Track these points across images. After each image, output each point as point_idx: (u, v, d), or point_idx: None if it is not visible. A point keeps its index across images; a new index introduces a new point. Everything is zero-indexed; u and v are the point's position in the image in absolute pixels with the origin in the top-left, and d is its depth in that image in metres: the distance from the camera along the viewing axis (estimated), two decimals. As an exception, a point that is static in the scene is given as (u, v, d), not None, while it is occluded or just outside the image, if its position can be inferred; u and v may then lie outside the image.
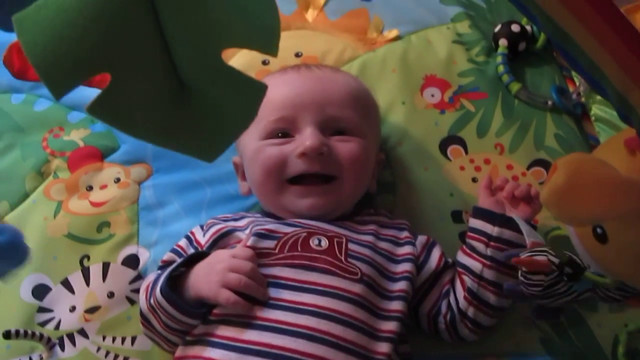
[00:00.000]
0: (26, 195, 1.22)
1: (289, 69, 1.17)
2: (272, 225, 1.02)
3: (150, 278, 1.01)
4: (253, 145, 1.08)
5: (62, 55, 0.48)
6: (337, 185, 1.06)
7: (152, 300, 0.96)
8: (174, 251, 1.07)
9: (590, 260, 0.73)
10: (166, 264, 1.05)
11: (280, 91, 1.10)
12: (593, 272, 0.84)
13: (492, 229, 1.03)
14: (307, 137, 1.03)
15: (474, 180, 1.24)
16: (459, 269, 1.05)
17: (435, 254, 1.06)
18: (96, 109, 0.50)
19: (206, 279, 0.94)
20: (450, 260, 1.08)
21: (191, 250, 1.06)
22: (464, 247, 1.07)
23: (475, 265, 1.02)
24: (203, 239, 1.05)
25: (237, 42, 0.51)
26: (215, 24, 0.51)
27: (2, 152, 1.27)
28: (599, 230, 0.70)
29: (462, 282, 1.03)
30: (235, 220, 1.08)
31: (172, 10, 0.51)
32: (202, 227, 1.09)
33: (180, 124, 0.55)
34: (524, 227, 0.99)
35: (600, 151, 0.75)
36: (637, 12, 1.20)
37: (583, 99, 1.32)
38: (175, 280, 0.96)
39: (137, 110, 0.52)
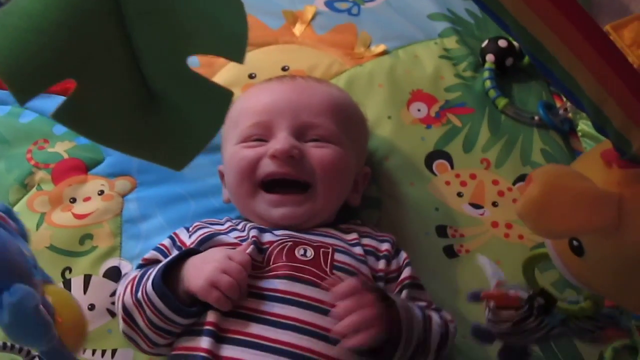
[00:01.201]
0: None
1: (274, 79, 1.18)
2: (256, 232, 1.01)
3: (133, 274, 1.00)
4: (231, 150, 1.09)
5: (26, 61, 0.48)
6: (311, 194, 1.05)
7: (139, 294, 0.94)
8: (157, 249, 1.06)
9: (568, 273, 0.73)
10: (147, 261, 1.04)
11: (259, 98, 1.12)
12: (567, 303, 0.84)
13: None
14: (278, 141, 1.04)
15: (460, 195, 1.24)
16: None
17: (405, 273, 1.04)
18: (61, 116, 0.50)
19: (198, 274, 0.92)
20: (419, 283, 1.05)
21: (175, 251, 1.04)
22: None
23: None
24: (188, 240, 1.04)
25: (204, 49, 0.51)
26: (181, 30, 0.51)
27: (-14, 164, 1.26)
28: (575, 243, 0.69)
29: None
30: (220, 224, 1.08)
31: (138, 16, 0.50)
32: (187, 229, 1.08)
33: (148, 132, 0.54)
34: (488, 267, 0.98)
35: (577, 164, 0.74)
36: (624, 28, 1.20)
37: (570, 115, 1.31)
38: (167, 275, 0.94)
39: (104, 118, 0.51)
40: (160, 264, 0.95)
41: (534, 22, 0.60)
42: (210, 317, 0.92)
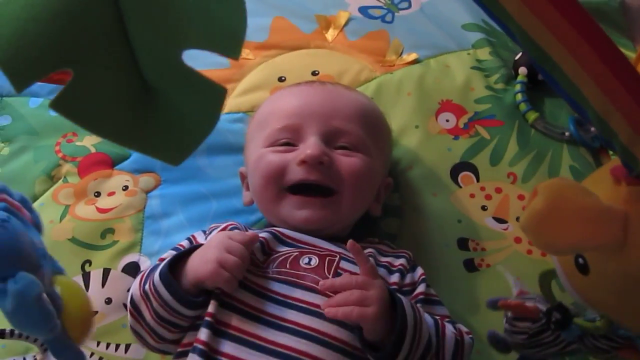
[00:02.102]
0: (35, 198, 1.23)
1: (303, 83, 1.18)
2: (268, 236, 1.01)
3: (146, 269, 1.00)
4: (257, 152, 1.08)
5: (24, 49, 0.49)
6: (336, 199, 1.04)
7: (147, 286, 0.94)
8: (174, 249, 1.06)
9: (573, 291, 0.71)
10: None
11: (289, 101, 1.11)
12: (584, 319, 0.82)
13: None
14: (309, 146, 1.03)
15: (484, 208, 1.22)
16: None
17: (420, 289, 1.02)
18: (58, 105, 0.50)
19: (204, 259, 0.92)
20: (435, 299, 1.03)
21: None
22: None
23: None
24: (205, 241, 1.04)
25: (199, 43, 0.51)
26: (177, 23, 0.51)
27: (16, 154, 1.29)
28: (580, 260, 0.67)
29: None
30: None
31: (134, 8, 0.51)
32: (204, 231, 1.08)
33: (145, 125, 0.54)
34: (510, 276, 0.97)
35: (588, 179, 0.73)
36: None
37: (602, 132, 1.29)
38: (174, 267, 0.94)
39: (100, 109, 0.52)
40: (169, 257, 0.96)
41: (538, 30, 0.59)
42: (210, 308, 0.92)
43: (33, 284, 0.75)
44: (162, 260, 1.04)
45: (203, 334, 0.90)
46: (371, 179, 1.09)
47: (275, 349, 0.88)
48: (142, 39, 0.52)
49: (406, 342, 0.87)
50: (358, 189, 1.06)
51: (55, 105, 0.50)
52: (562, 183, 0.62)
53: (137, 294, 0.96)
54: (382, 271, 1.01)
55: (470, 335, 0.98)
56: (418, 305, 0.98)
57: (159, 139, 0.55)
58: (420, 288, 1.01)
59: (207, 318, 0.91)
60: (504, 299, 0.90)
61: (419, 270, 1.05)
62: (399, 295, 0.92)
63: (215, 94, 0.52)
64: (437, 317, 0.97)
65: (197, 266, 0.92)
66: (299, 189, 1.04)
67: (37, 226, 0.86)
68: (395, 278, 1.01)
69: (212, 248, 0.92)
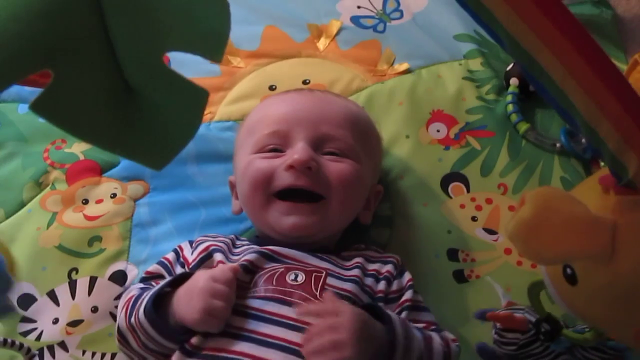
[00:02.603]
0: (22, 204, 1.22)
1: (292, 90, 1.18)
2: (253, 257, 0.99)
3: (131, 292, 0.99)
4: (245, 159, 1.07)
5: (3, 48, 0.48)
6: (324, 205, 1.03)
7: (132, 320, 0.94)
8: (160, 264, 1.05)
9: (561, 302, 0.70)
10: (150, 275, 1.04)
11: (278, 108, 1.11)
12: (573, 330, 0.81)
13: None
14: (296, 151, 1.02)
15: (474, 219, 1.21)
16: None
17: (406, 295, 1.01)
18: (38, 107, 0.49)
19: (190, 306, 0.90)
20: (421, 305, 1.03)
21: (178, 267, 1.04)
22: None
23: None
24: (191, 256, 1.03)
25: (181, 45, 0.51)
26: (158, 25, 0.50)
27: (4, 161, 1.28)
28: (568, 270, 0.67)
29: None
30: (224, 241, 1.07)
31: (117, 9, 0.50)
32: (191, 243, 1.07)
33: (126, 128, 0.54)
34: (499, 287, 0.96)
35: (577, 189, 0.72)
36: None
37: (593, 144, 1.28)
38: (160, 300, 0.94)
39: (81, 111, 0.51)
40: (151, 292, 0.94)
41: (526, 35, 0.58)
42: (194, 339, 0.91)
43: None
44: (148, 273, 1.04)
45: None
46: (360, 186, 1.08)
47: None
48: (125, 40, 0.52)
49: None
50: (347, 194, 1.05)
51: (35, 107, 0.49)
52: (551, 192, 0.62)
53: (124, 325, 0.95)
54: (369, 280, 1.01)
55: (457, 343, 0.97)
56: (404, 313, 0.97)
57: (141, 142, 0.54)
58: (407, 295, 1.01)
59: (190, 348, 0.91)
60: (493, 311, 0.90)
61: (407, 276, 1.04)
62: (388, 312, 0.91)
63: (197, 96, 0.51)
64: (423, 327, 0.96)
65: (184, 312, 0.91)
66: (287, 194, 1.03)
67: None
68: (382, 286, 1.00)
69: (197, 295, 0.90)
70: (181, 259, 1.05)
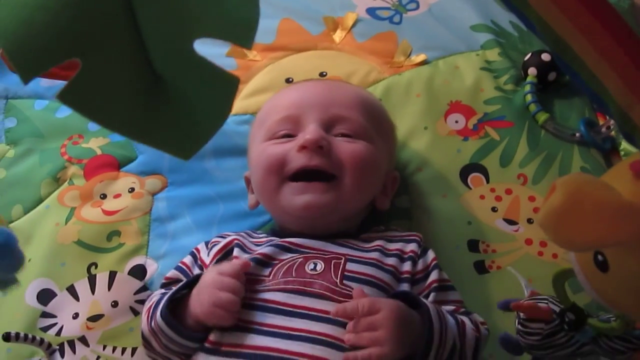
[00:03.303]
0: (40, 200, 1.23)
1: (304, 81, 1.18)
2: (269, 250, 0.99)
3: (153, 299, 1.00)
4: (258, 148, 1.07)
5: (32, 39, 0.47)
6: (337, 184, 1.02)
7: (152, 324, 0.95)
8: (178, 269, 1.06)
9: (591, 290, 0.69)
10: (169, 281, 1.04)
11: (289, 95, 1.12)
12: (598, 320, 0.80)
13: None
14: (308, 132, 1.02)
15: (494, 210, 1.20)
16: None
17: (433, 276, 1.01)
18: (66, 96, 0.49)
19: (198, 300, 0.92)
20: (447, 284, 1.03)
21: (196, 269, 1.04)
22: None
23: None
24: (207, 258, 1.04)
25: (211, 32, 0.50)
26: (188, 12, 0.49)
27: (21, 157, 1.28)
28: (599, 257, 0.66)
29: None
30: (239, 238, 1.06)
31: (144, -3, 0.50)
32: (207, 244, 1.07)
33: (155, 118, 0.53)
34: (521, 277, 0.95)
35: (607, 175, 0.71)
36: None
37: (613, 133, 1.27)
38: (178, 303, 0.95)
39: (109, 100, 0.50)
40: (167, 295, 0.96)
41: (559, 20, 0.57)
42: (212, 335, 0.92)
43: (12, 236, 0.83)
44: (167, 279, 1.05)
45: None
46: (373, 167, 1.07)
47: (291, 357, 0.87)
48: (154, 28, 0.51)
49: (432, 353, 0.87)
50: (360, 174, 1.03)
51: (63, 96, 0.48)
52: (581, 178, 0.61)
53: (146, 330, 0.97)
54: (393, 260, 1.00)
55: (486, 326, 0.98)
56: (432, 295, 0.98)
57: (169, 131, 0.54)
58: (434, 275, 1.01)
59: (208, 345, 0.92)
60: (516, 301, 0.89)
61: (431, 254, 1.04)
62: (424, 301, 0.91)
63: (228, 83, 0.51)
64: (453, 310, 0.97)
65: (195, 308, 0.92)
66: (300, 176, 1.02)
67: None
68: (407, 266, 1.00)
69: (205, 289, 0.92)
70: (199, 262, 1.05)
